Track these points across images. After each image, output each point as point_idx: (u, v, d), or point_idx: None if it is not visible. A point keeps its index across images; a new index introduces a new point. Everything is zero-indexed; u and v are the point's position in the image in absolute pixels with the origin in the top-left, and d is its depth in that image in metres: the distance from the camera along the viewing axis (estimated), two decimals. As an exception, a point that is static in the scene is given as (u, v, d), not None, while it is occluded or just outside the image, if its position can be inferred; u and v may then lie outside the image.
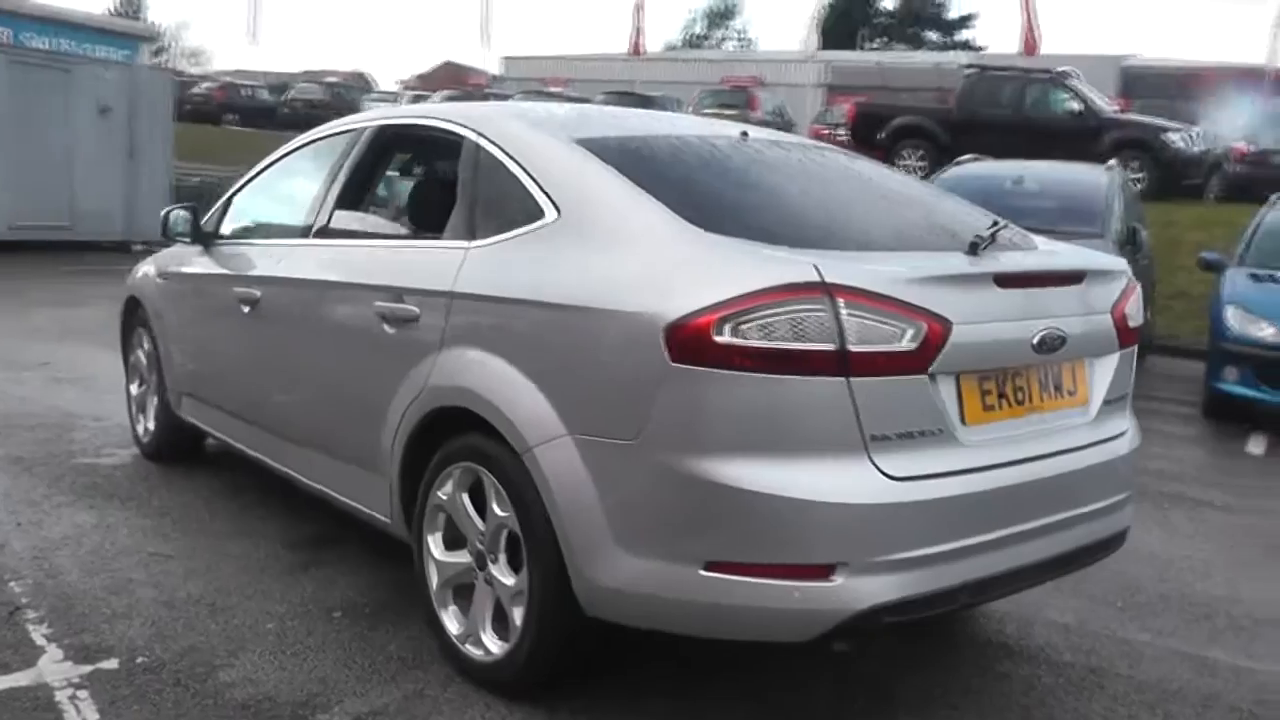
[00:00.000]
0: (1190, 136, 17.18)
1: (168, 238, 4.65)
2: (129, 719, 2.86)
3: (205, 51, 38.01)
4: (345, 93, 29.93)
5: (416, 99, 29.41)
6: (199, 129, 18.08)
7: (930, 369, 2.62)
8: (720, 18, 64.30)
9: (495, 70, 40.75)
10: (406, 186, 4.03)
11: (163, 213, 4.66)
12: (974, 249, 2.91)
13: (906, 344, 2.57)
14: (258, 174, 4.61)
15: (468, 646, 3.08)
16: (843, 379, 2.51)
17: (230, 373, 4.38)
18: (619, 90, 26.62)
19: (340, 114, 23.77)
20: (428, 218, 3.50)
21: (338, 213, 3.87)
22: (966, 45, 53.64)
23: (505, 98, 28.24)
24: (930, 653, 3.52)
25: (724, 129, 3.69)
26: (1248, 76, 24.82)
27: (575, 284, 2.79)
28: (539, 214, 3.02)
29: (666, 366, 2.53)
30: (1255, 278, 7.80)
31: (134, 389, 5.42)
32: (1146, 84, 27.50)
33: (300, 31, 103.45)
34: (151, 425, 5.22)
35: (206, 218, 4.67)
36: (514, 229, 3.06)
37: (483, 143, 3.33)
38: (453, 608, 3.17)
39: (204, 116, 26.43)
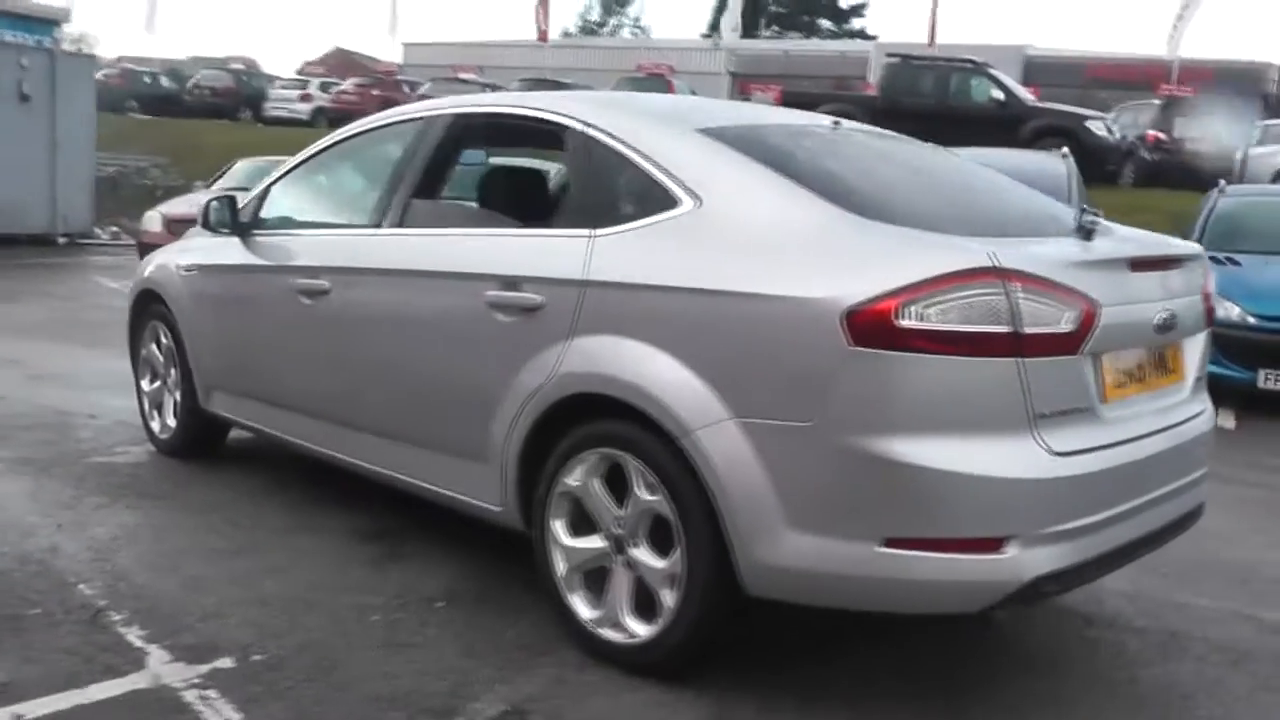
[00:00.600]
0: (1109, 125, 17.87)
1: (210, 229, 4.51)
2: (273, 716, 2.78)
3: (89, 35, 36.13)
4: (251, 80, 29.01)
5: (324, 87, 28.75)
6: (103, 117, 17.38)
7: (1083, 349, 2.72)
8: (615, 4, 64.19)
9: (396, 58, 40.02)
10: (483, 174, 3.99)
11: (204, 203, 4.51)
12: (1088, 234, 3.02)
13: (1066, 325, 2.66)
14: (300, 164, 4.48)
15: (604, 630, 3.07)
16: (1015, 360, 2.59)
17: (283, 365, 4.26)
18: (534, 78, 26.40)
19: (246, 101, 23.19)
20: (528, 207, 3.47)
21: (416, 202, 3.79)
22: (861, 34, 54.69)
23: (416, 85, 27.85)
24: (1017, 623, 3.64)
25: (815, 117, 3.74)
26: (1150, 68, 25.85)
27: (736, 271, 2.79)
28: (672, 203, 3.01)
29: (845, 350, 2.58)
30: (1215, 260, 8.20)
31: (146, 385, 5.23)
32: (1049, 73, 28.40)
33: (186, 17, 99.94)
34: (171, 421, 5.05)
35: (242, 208, 4.53)
36: (644, 218, 3.05)
37: (593, 133, 3.31)
38: (580, 593, 3.16)
39: (103, 104, 25.47)
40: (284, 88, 28.21)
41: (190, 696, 2.87)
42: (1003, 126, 17.68)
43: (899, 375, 2.56)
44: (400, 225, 3.80)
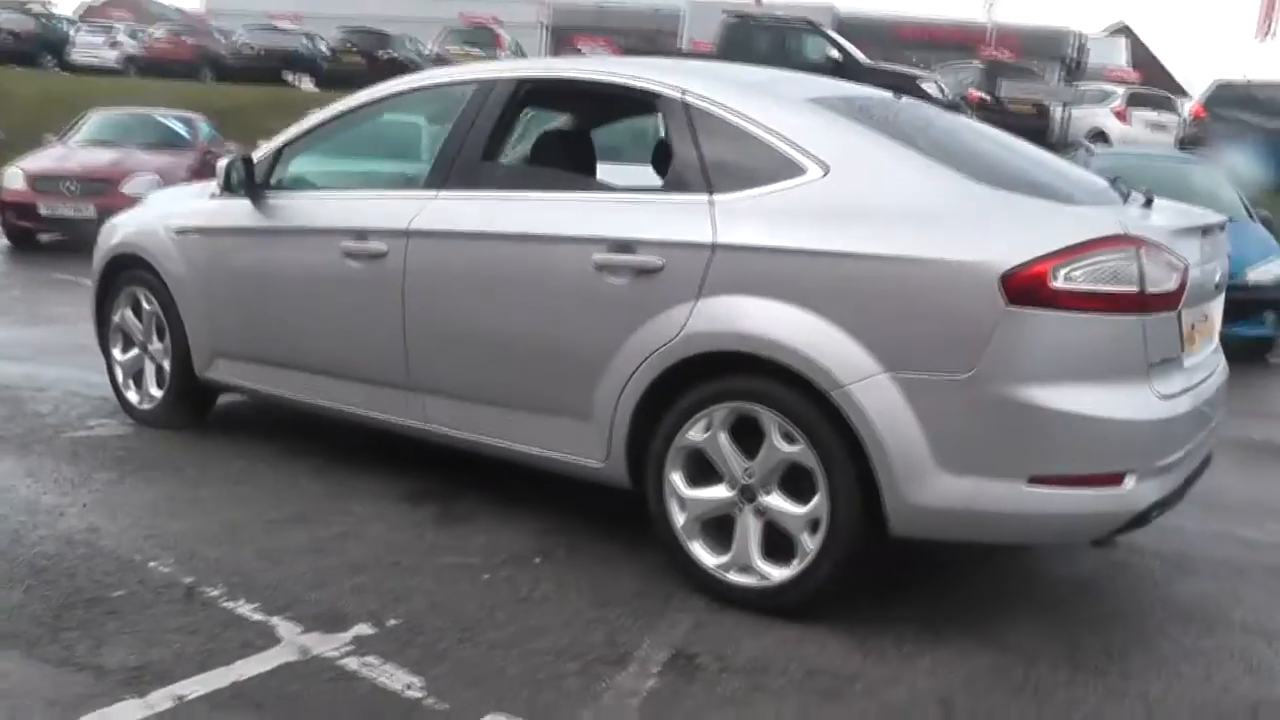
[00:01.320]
0: (939, 84, 18.89)
1: (229, 190, 4.33)
2: (450, 676, 2.81)
3: None
4: (53, 24, 26.60)
5: (132, 33, 26.81)
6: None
7: (1180, 306, 3.07)
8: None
9: (197, 4, 37.71)
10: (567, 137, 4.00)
11: (223, 164, 4.32)
12: (1149, 203, 3.39)
13: (1173, 285, 2.99)
14: (321, 125, 4.35)
15: (733, 575, 3.23)
16: (1140, 316, 2.91)
17: (320, 330, 4.14)
18: (355, 27, 25.57)
19: (48, 47, 21.45)
20: (626, 171, 3.55)
21: (486, 164, 3.79)
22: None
23: (229, 33, 26.43)
24: (1054, 555, 3.99)
25: (878, 90, 3.97)
26: (957, 31, 27.36)
27: (885, 236, 2.98)
28: (796, 170, 3.16)
29: (1001, 309, 2.82)
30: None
31: (120, 354, 4.97)
32: (860, 33, 29.58)
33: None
34: (154, 390, 4.83)
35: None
36: (768, 184, 3.19)
37: (695, 101, 3.40)
38: (699, 541, 3.30)
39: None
40: (89, 33, 26.10)
41: (353, 664, 2.85)
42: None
43: (1048, 331, 2.83)
44: (468, 188, 3.79)
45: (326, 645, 2.95)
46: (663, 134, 3.47)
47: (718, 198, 3.24)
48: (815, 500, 3.07)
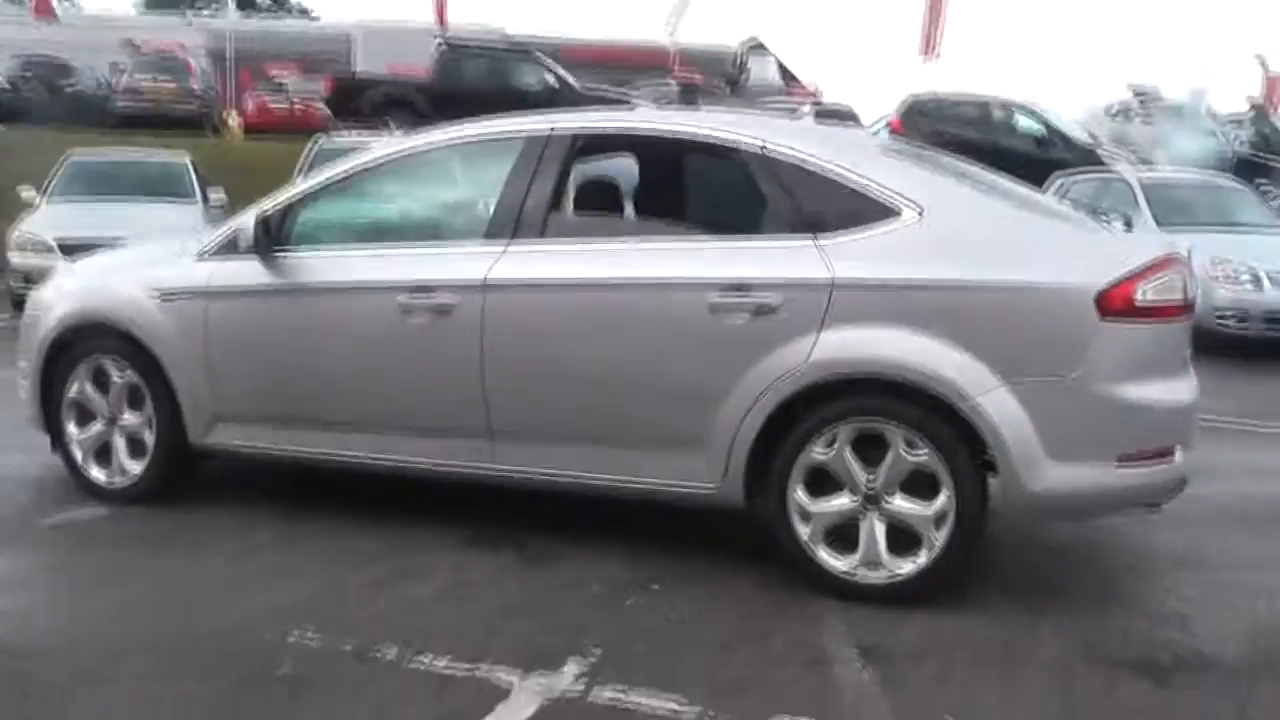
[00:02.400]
0: (653, 108, 19.93)
1: (256, 251, 4.16)
2: (705, 689, 2.98)
3: None
4: None
5: None
6: None
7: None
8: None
9: None
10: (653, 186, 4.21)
11: (251, 223, 4.15)
12: (1129, 226, 4.18)
13: (1194, 295, 3.77)
14: (335, 182, 4.31)
15: (861, 574, 3.64)
16: (1184, 320, 3.64)
17: (365, 384, 4.13)
18: (34, 56, 23.33)
19: None
20: (709, 218, 3.85)
21: (557, 215, 3.98)
22: (303, 12, 53.89)
23: None
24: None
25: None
26: (630, 53, 28.75)
27: (987, 266, 3.52)
28: (893, 213, 3.63)
29: (1096, 323, 3.45)
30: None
31: (77, 432, 4.60)
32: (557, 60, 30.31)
33: None
34: (133, 466, 4.53)
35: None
36: (869, 225, 3.64)
37: (778, 153, 3.79)
38: (823, 548, 3.68)
39: None
40: None
41: (606, 695, 3.01)
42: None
43: (1130, 337, 3.50)
44: (545, 238, 3.95)
45: (561, 683, 3.08)
46: (746, 183, 3.81)
47: (824, 240, 3.65)
48: (942, 498, 3.55)
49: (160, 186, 10.86)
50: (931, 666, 3.25)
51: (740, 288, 3.67)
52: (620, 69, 27.78)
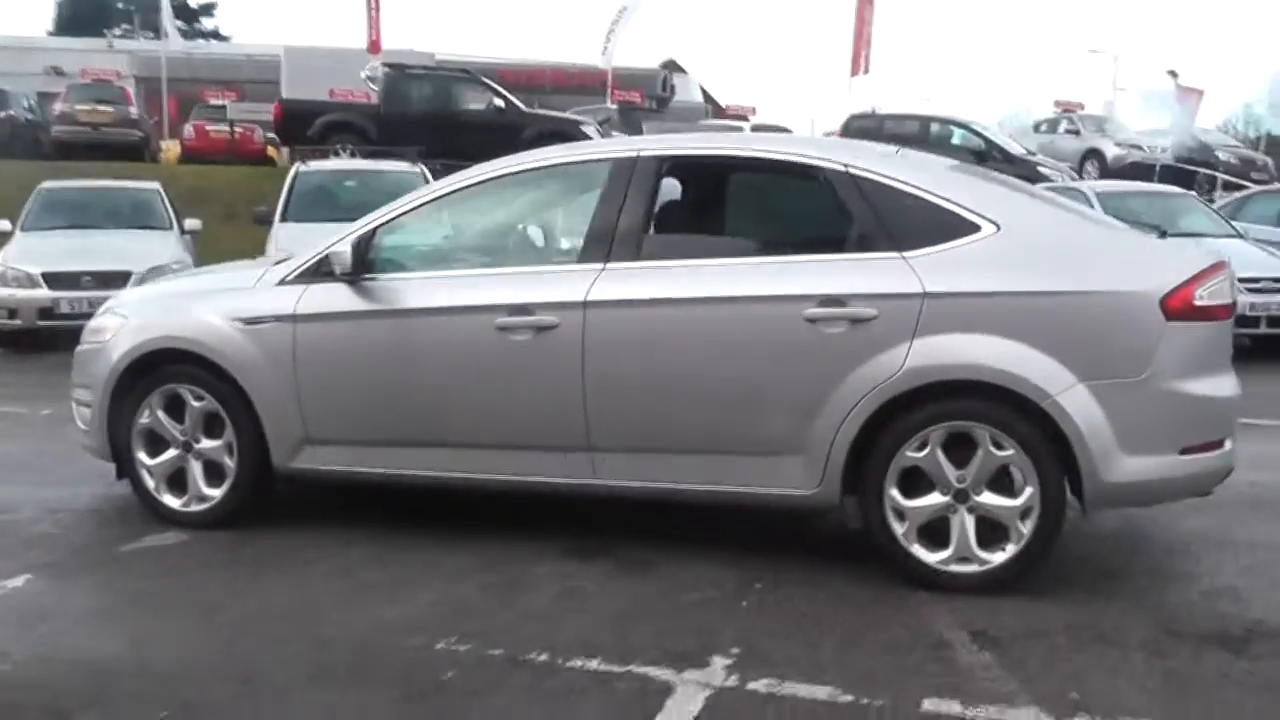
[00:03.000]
0: (598, 128, 20.16)
1: (351, 276, 4.28)
2: (856, 675, 3.20)
3: None
4: None
5: None
6: None
7: None
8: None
9: None
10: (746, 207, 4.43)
11: (349, 249, 4.27)
12: (1164, 236, 4.53)
13: (1234, 299, 4.11)
14: (419, 207, 4.47)
15: (954, 566, 3.90)
16: (1229, 321, 3.98)
17: (466, 403, 4.28)
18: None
19: None
20: (798, 236, 4.10)
21: (652, 236, 4.18)
22: (215, 34, 53.16)
23: None
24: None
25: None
26: (589, 77, 29.01)
27: (1063, 275, 3.83)
28: (973, 228, 3.92)
29: (1162, 324, 3.76)
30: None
31: (148, 459, 4.65)
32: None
33: None
34: (210, 490, 4.60)
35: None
36: (952, 240, 3.91)
37: (862, 174, 4.05)
38: (917, 544, 3.92)
39: None
40: None
41: (762, 687, 3.20)
42: (505, 133, 19.16)
43: (1192, 337, 3.82)
44: (641, 259, 4.14)
45: (715, 678, 3.27)
46: (831, 203, 4.06)
47: (909, 254, 3.91)
48: (1028, 493, 3.83)
49: (134, 216, 10.77)
50: (1039, 648, 3.51)
51: (837, 301, 3.91)
52: (557, 91, 28.02)
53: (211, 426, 4.59)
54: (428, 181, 10.96)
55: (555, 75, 30.77)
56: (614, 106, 24.37)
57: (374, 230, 4.44)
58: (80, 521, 4.81)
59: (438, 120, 18.77)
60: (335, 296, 4.38)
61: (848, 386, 3.90)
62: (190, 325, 4.57)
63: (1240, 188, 17.41)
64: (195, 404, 4.56)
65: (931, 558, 3.93)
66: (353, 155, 14.72)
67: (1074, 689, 3.22)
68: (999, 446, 3.83)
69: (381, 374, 4.36)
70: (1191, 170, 20.69)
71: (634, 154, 4.32)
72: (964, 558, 3.91)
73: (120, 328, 4.72)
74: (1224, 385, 3.97)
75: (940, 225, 3.96)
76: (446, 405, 4.32)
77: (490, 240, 4.65)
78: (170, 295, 4.94)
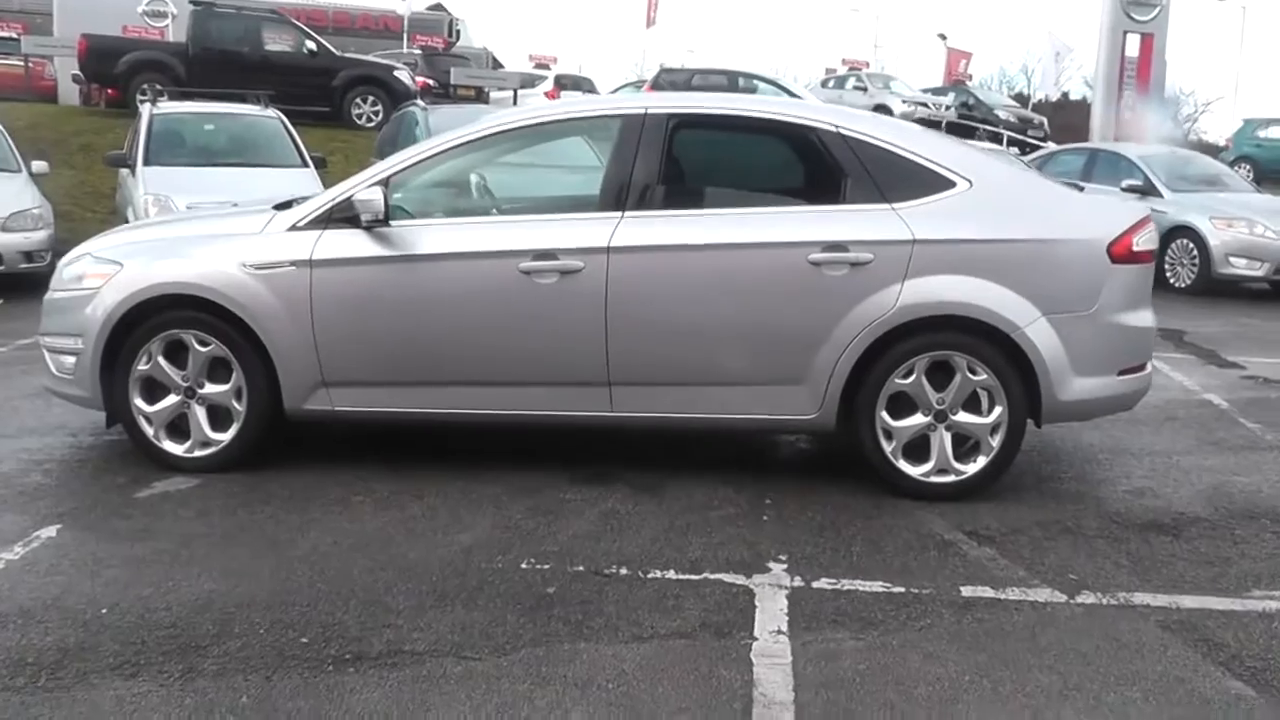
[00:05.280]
0: (410, 74, 19.84)
1: (378, 221, 4.40)
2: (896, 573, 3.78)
3: None
4: None
5: None
6: None
7: None
8: None
9: None
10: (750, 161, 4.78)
11: (378, 195, 4.36)
12: (1081, 190, 5.28)
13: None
14: (431, 157, 4.63)
15: (934, 478, 4.51)
16: (1152, 264, 4.74)
17: (493, 343, 4.52)
18: None
19: None
20: (797, 188, 4.56)
21: (666, 187, 4.53)
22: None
23: None
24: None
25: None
26: (388, 21, 28.21)
27: (1029, 225, 4.47)
28: (949, 184, 4.48)
29: (1109, 266, 4.47)
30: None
31: (147, 406, 4.64)
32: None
33: None
34: (215, 434, 4.66)
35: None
36: (933, 194, 4.47)
37: (852, 134, 4.54)
38: (903, 461, 4.52)
39: None
40: None
41: (825, 584, 3.70)
42: (318, 76, 18.69)
43: (1129, 277, 4.55)
44: (656, 209, 4.49)
45: (782, 580, 3.74)
46: (827, 159, 4.54)
47: (898, 206, 4.45)
48: (997, 411, 4.47)
49: None
50: (1024, 541, 4.18)
51: (839, 247, 4.40)
52: (356, 34, 27.21)
53: (216, 372, 4.63)
54: (286, 127, 10.76)
55: (360, 20, 29.81)
56: (418, 51, 24.01)
57: (391, 176, 4.58)
58: (72, 472, 4.74)
59: (247, 62, 18.12)
60: (354, 242, 4.51)
61: (847, 322, 4.41)
62: (198, 271, 4.57)
63: (1021, 144, 19.16)
64: (201, 349, 4.59)
65: (915, 470, 4.53)
66: (163, 96, 13.96)
67: (1069, 572, 3.89)
68: (973, 372, 4.45)
69: (404, 318, 4.54)
70: (973, 126, 22.51)
71: (643, 111, 4.64)
72: (942, 469, 4.53)
73: (113, 275, 4.65)
74: (1147, 318, 4.72)
75: (922, 181, 4.51)
76: (469, 346, 4.55)
77: (508, 189, 4.87)
78: (166, 241, 4.87)
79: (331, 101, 18.59)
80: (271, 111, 11.00)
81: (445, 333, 4.55)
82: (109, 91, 19.72)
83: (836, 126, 4.60)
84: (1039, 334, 4.43)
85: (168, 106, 10.75)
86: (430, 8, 36.98)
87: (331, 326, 4.54)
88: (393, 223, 4.52)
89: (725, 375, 4.53)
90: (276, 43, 18.72)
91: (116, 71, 17.57)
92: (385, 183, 4.56)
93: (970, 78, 29.71)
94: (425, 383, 4.61)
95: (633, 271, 4.46)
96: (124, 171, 10.23)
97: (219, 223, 5.00)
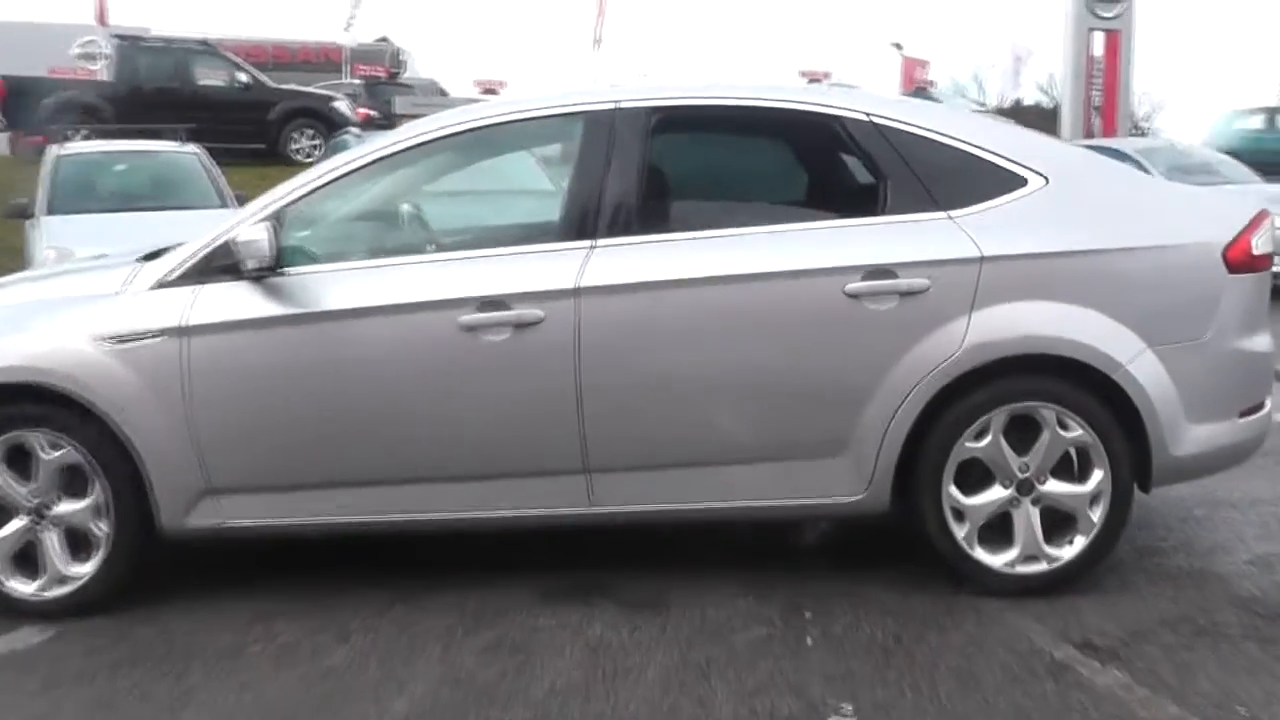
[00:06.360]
0: (348, 105, 18.77)
1: (266, 270, 3.29)
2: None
3: None
4: None
5: None
6: None
7: None
8: None
9: None
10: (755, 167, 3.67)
11: (264, 235, 3.25)
12: None
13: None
14: (343, 176, 3.51)
15: (1020, 568, 3.44)
16: (1269, 272, 3.70)
17: (429, 428, 3.42)
18: None
19: None
20: (822, 198, 3.48)
21: (652, 204, 3.45)
22: None
23: None
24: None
25: None
26: (328, 53, 27.23)
27: (1122, 230, 3.42)
28: (1020, 181, 3.45)
29: (1225, 277, 3.43)
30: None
31: (-5, 530, 3.49)
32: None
33: None
34: (76, 567, 3.49)
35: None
36: (999, 196, 3.43)
37: (888, 124, 3.49)
38: (979, 548, 3.43)
39: None
40: None
41: None
42: (253, 110, 17.59)
43: (1250, 289, 3.52)
44: (640, 233, 3.41)
45: None
46: (858, 157, 3.48)
47: (956, 214, 3.39)
48: (1098, 476, 3.41)
49: None
50: (1155, 653, 3.12)
51: (884, 272, 3.34)
52: (298, 69, 26.20)
53: (73, 484, 3.49)
54: (204, 164, 9.61)
55: (298, 54, 28.79)
56: (359, 81, 22.97)
57: (283, 209, 3.48)
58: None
59: (177, 97, 17.03)
60: (239, 298, 3.40)
61: (900, 371, 3.35)
62: (38, 351, 3.43)
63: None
64: (49, 455, 3.44)
65: (997, 560, 3.46)
66: (87, 138, 12.81)
67: (1234, 702, 2.83)
68: (1064, 427, 3.40)
69: (311, 396, 3.42)
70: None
71: (611, 105, 3.56)
72: (1031, 556, 3.46)
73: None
74: (1266, 341, 3.68)
75: (985, 179, 3.46)
76: (397, 432, 3.43)
77: (439, 218, 3.76)
78: (10, 311, 3.73)
79: (268, 137, 17.46)
80: (190, 148, 9.85)
81: (364, 416, 3.42)
82: (39, 138, 18.57)
83: (869, 115, 3.53)
84: (1146, 371, 3.38)
85: (74, 148, 9.62)
86: (377, 40, 36.21)
87: (216, 415, 3.41)
88: (289, 270, 3.42)
89: (738, 450, 3.44)
90: (209, 77, 17.64)
91: (40, 114, 16.37)
92: (276, 217, 3.45)
93: (934, 84, 28.94)
94: (342, 483, 3.48)
95: (610, 319, 3.36)
96: (29, 223, 9.06)
97: (68, 281, 3.87)
